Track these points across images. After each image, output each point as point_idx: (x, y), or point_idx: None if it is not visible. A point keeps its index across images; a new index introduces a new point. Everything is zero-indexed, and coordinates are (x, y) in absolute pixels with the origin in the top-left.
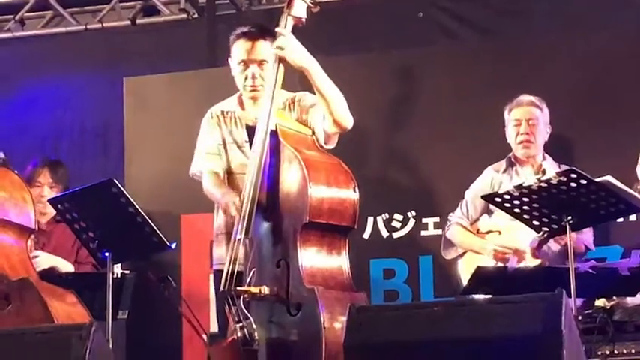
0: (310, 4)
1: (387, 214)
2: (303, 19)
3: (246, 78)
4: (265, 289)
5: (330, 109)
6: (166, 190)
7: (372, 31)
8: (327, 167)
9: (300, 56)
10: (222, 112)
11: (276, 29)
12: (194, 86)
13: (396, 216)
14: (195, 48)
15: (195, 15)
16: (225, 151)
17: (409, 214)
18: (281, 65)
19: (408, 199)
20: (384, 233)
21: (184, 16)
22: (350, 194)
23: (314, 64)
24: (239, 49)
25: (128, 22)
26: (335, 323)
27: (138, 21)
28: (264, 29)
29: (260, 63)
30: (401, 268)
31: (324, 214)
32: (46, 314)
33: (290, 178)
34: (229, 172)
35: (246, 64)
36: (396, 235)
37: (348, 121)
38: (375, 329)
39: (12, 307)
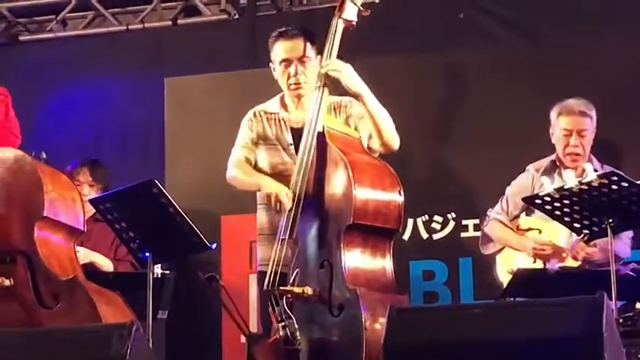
0: (361, 8)
1: (426, 216)
2: (354, 23)
3: (288, 77)
4: (309, 290)
5: (379, 133)
6: (206, 190)
7: (412, 31)
8: (372, 169)
9: (354, 81)
10: (266, 113)
11: (325, 51)
12: (234, 87)
13: (436, 217)
14: (236, 48)
15: (236, 16)
16: (266, 149)
17: (449, 215)
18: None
19: (448, 201)
20: (424, 235)
21: (225, 16)
22: (395, 197)
23: (366, 89)
24: (279, 48)
25: (169, 23)
26: (376, 325)
27: (179, 21)
28: (302, 28)
29: (301, 60)
30: (440, 270)
31: (369, 215)
32: (93, 314)
33: (335, 180)
34: (274, 172)
35: (287, 62)
36: (435, 236)
37: (396, 144)
38: (415, 331)
39: (60, 306)
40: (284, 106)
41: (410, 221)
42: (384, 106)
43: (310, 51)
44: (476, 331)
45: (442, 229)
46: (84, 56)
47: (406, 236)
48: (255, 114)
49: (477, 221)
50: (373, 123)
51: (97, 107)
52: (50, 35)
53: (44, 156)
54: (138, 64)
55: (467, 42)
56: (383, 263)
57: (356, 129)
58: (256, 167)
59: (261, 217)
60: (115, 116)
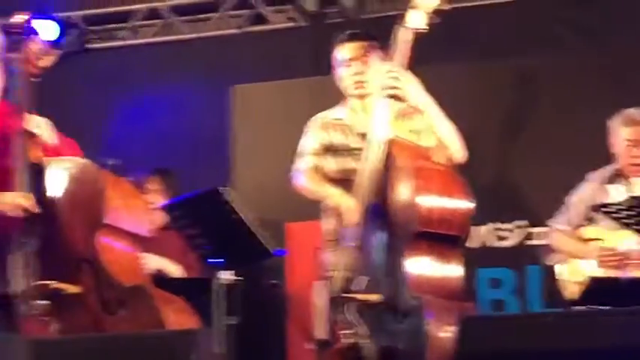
0: (429, 15)
1: (495, 223)
2: (422, 30)
3: (351, 76)
4: (375, 297)
5: (443, 145)
6: (272, 197)
7: (481, 38)
8: (438, 176)
9: (417, 93)
10: (332, 119)
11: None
12: (301, 94)
13: (504, 225)
14: (303, 56)
15: (303, 23)
16: (333, 155)
17: (517, 223)
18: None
19: (516, 208)
20: (492, 242)
21: (292, 24)
22: (462, 204)
23: (430, 102)
24: (342, 51)
25: (237, 31)
26: (441, 332)
27: (246, 29)
28: (366, 31)
29: (363, 61)
30: (508, 278)
31: (434, 223)
32: (158, 321)
33: (401, 187)
34: (338, 179)
35: (350, 61)
36: (503, 244)
37: (459, 155)
38: (487, 339)
39: (125, 312)
40: (349, 111)
41: (477, 229)
42: (453, 112)
43: (373, 53)
44: (548, 340)
45: (510, 236)
46: (154, 64)
47: (474, 244)
48: (321, 120)
49: (545, 229)
50: (438, 137)
51: (166, 114)
52: (121, 43)
53: (113, 162)
54: (206, 71)
55: (537, 48)
56: (450, 270)
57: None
58: (324, 175)
59: (328, 224)
60: (182, 123)
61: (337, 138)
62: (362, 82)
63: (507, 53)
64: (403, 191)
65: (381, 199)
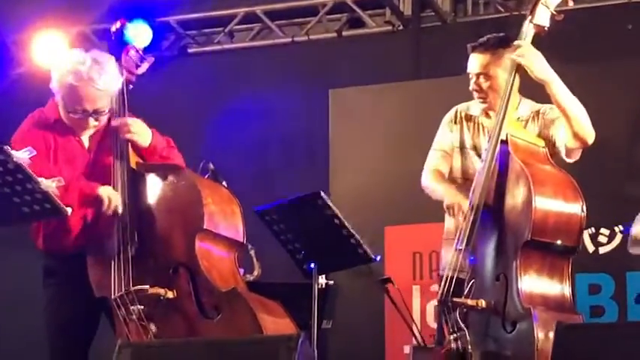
0: (554, 12)
1: (593, 228)
2: (546, 28)
3: (474, 90)
4: (482, 303)
5: (570, 124)
6: (370, 201)
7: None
8: (555, 182)
9: (541, 66)
10: (467, 116)
11: (516, 42)
12: (398, 98)
13: (603, 230)
14: (400, 60)
15: (401, 27)
16: (462, 155)
17: (616, 228)
18: (517, 75)
19: (615, 213)
20: (591, 248)
21: (390, 28)
22: (577, 211)
23: (554, 76)
24: (469, 61)
25: (334, 34)
26: (549, 345)
27: (344, 33)
28: (494, 40)
29: (485, 75)
30: (607, 284)
31: (548, 232)
32: (254, 325)
33: (515, 191)
34: (465, 178)
35: (472, 75)
36: (602, 249)
37: (590, 136)
38: (583, 348)
39: (221, 317)
40: (485, 110)
41: None
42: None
43: (494, 66)
44: None
45: (609, 242)
46: (250, 68)
47: None
48: (456, 116)
49: None
50: (563, 112)
51: (264, 118)
52: (217, 47)
53: (212, 167)
54: (303, 75)
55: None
56: (560, 282)
57: (552, 136)
58: (451, 173)
59: (448, 222)
60: (280, 127)
61: (469, 136)
62: (483, 97)
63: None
64: (517, 195)
65: (495, 202)
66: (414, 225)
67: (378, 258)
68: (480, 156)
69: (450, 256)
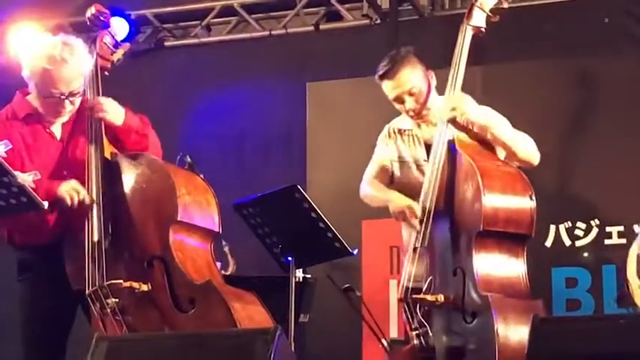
0: (489, 14)
1: (569, 222)
2: (483, 29)
3: (405, 111)
4: (441, 297)
5: (517, 157)
6: (348, 194)
7: (554, 36)
8: (503, 176)
9: (476, 112)
10: (400, 130)
11: (443, 99)
12: (376, 92)
13: (579, 224)
14: (378, 53)
15: (378, 21)
16: (402, 166)
17: (592, 222)
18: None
19: (591, 207)
20: (567, 241)
21: (367, 21)
22: (526, 202)
23: (491, 116)
24: (385, 89)
25: (312, 28)
26: (509, 331)
27: (321, 26)
28: (396, 61)
29: (404, 94)
30: (584, 278)
31: (500, 222)
32: (228, 317)
33: (465, 187)
34: (403, 189)
35: (397, 99)
36: (578, 243)
37: (536, 159)
38: (559, 341)
39: (196, 310)
40: (417, 123)
41: (552, 227)
42: (526, 110)
43: (416, 80)
44: (621, 342)
45: (585, 235)
46: (227, 61)
47: (548, 243)
48: (389, 132)
49: (621, 228)
50: (508, 151)
51: (240, 111)
52: (194, 41)
53: (189, 159)
54: (280, 69)
55: (610, 47)
56: (516, 269)
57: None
58: (392, 184)
59: (405, 233)
60: (257, 121)
61: (405, 149)
62: (416, 113)
63: (573, 51)
64: (468, 191)
65: (447, 200)
66: (391, 219)
67: (356, 252)
68: (418, 166)
69: (410, 267)
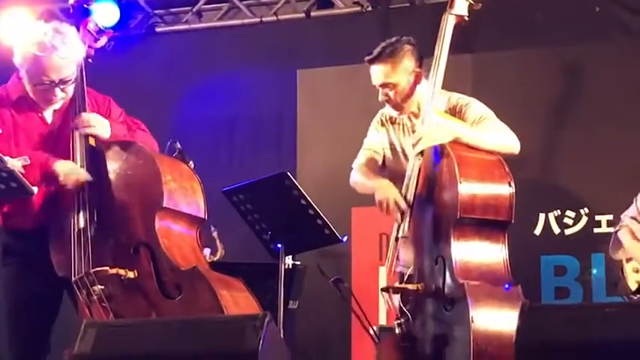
0: (472, 2)
1: (558, 211)
2: (466, 17)
3: (385, 101)
4: (421, 286)
5: (499, 153)
6: (338, 181)
7: (546, 24)
8: (480, 163)
9: (442, 134)
10: (392, 118)
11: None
12: (367, 79)
13: (568, 212)
14: (369, 41)
15: (370, 8)
16: (393, 154)
17: (582, 210)
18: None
19: (580, 196)
20: (556, 230)
21: (358, 8)
22: (504, 189)
23: (458, 128)
24: (371, 73)
25: (303, 15)
26: (485, 318)
27: (312, 13)
28: (387, 50)
29: (386, 85)
30: (572, 266)
31: (477, 209)
32: (215, 303)
33: (444, 176)
34: (394, 179)
35: (380, 86)
36: (567, 231)
37: (515, 149)
38: (547, 329)
39: (183, 296)
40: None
41: (542, 216)
42: (514, 99)
43: (400, 75)
44: (609, 330)
45: (575, 224)
46: (218, 48)
47: (537, 231)
48: (381, 119)
49: (610, 217)
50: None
51: (231, 98)
52: (185, 27)
53: (179, 146)
54: (271, 55)
55: (600, 35)
56: (497, 255)
57: None
58: (384, 171)
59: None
60: (247, 107)
61: (396, 137)
62: (396, 105)
63: (564, 40)
64: (445, 179)
65: (427, 190)
66: None
67: (345, 239)
68: (406, 156)
69: (408, 255)
